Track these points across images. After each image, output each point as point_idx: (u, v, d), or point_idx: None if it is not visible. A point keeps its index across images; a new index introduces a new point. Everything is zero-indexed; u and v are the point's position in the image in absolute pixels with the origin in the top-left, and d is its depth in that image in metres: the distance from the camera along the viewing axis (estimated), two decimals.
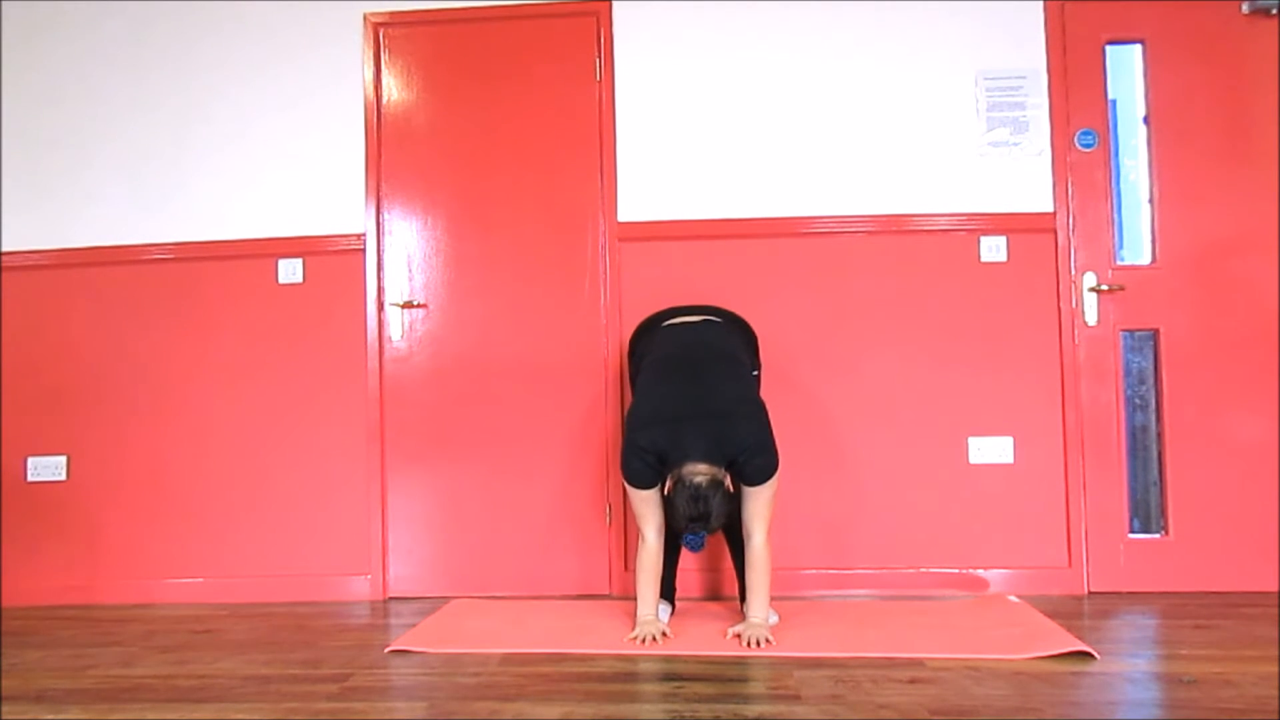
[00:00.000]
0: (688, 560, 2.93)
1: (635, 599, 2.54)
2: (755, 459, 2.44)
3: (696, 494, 2.37)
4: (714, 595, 3.07)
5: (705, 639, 2.47)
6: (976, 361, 3.10)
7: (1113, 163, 3.12)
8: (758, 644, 2.36)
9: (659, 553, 2.55)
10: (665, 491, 2.51)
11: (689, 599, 2.96)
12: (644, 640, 2.42)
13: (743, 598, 2.60)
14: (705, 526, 2.40)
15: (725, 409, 2.45)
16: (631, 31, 3.23)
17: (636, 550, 2.55)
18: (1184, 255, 3.07)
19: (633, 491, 2.52)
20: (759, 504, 2.48)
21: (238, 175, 3.32)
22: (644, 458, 2.46)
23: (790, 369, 3.12)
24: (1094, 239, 3.10)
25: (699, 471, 2.40)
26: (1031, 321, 3.09)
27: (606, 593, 3.14)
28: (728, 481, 2.46)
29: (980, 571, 3.05)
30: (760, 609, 2.47)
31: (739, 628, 2.47)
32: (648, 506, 2.52)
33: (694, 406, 2.45)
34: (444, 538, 3.22)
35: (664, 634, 2.45)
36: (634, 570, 2.59)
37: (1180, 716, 1.83)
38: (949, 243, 3.12)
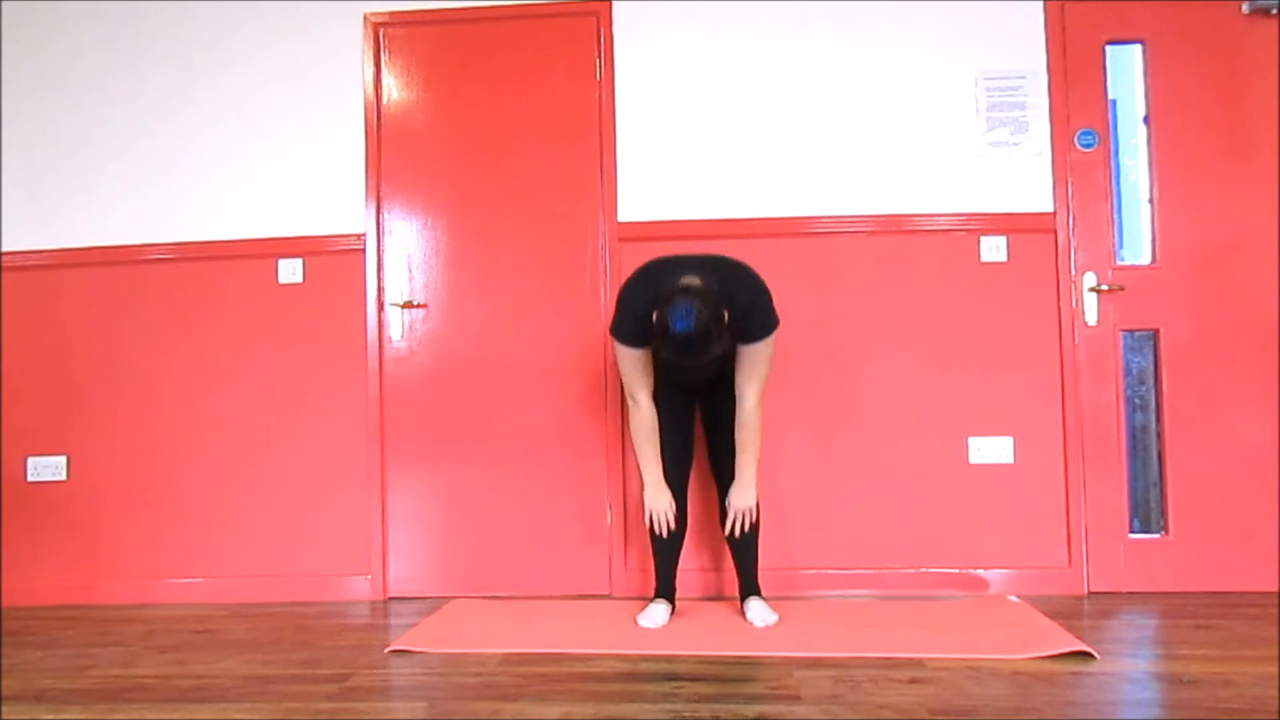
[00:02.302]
0: (688, 560, 2.92)
1: (640, 472, 2.58)
2: (753, 312, 2.40)
3: (685, 298, 2.21)
4: (715, 595, 3.07)
5: (705, 639, 2.47)
6: (976, 361, 3.10)
7: (1113, 163, 3.12)
8: (744, 527, 2.36)
9: (653, 416, 2.55)
10: (654, 321, 2.33)
11: (689, 599, 2.95)
12: (658, 520, 2.47)
13: (740, 569, 2.67)
14: (691, 352, 2.23)
15: (726, 272, 2.43)
16: (631, 31, 3.23)
17: (628, 418, 2.52)
18: (1184, 255, 3.07)
19: (621, 351, 2.47)
20: (756, 363, 2.44)
21: (238, 175, 3.32)
22: (636, 315, 2.43)
23: (790, 368, 3.12)
24: (1094, 239, 3.09)
25: (689, 282, 2.29)
26: (1031, 321, 3.09)
27: (607, 593, 3.14)
28: (725, 316, 2.32)
29: (980, 571, 3.05)
30: (748, 472, 2.47)
31: (729, 506, 2.53)
32: (636, 368, 2.49)
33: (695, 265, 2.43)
34: (444, 538, 3.22)
35: (673, 518, 2.52)
36: (630, 442, 2.57)
37: (1180, 716, 1.83)
38: (949, 243, 3.12)
